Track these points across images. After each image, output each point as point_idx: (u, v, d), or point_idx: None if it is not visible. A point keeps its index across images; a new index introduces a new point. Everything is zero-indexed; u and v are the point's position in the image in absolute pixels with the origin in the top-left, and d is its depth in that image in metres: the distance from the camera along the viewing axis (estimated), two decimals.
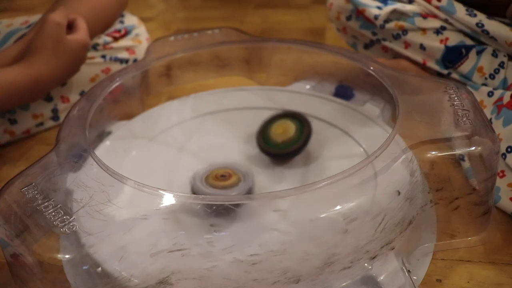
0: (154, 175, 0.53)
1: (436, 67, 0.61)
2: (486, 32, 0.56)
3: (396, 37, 0.64)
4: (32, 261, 0.36)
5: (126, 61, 0.73)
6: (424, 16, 0.62)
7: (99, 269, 0.36)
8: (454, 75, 0.60)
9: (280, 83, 0.69)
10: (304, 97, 0.64)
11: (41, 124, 0.69)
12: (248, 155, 0.56)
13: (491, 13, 0.58)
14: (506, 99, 0.50)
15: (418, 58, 0.63)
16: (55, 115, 0.69)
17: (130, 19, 0.77)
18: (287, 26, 1.04)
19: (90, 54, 0.70)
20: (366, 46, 0.71)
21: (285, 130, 0.55)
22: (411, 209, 0.40)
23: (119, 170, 0.40)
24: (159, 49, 0.64)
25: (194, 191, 0.46)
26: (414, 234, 0.42)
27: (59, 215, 0.36)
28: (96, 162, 0.41)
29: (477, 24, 0.57)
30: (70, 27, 0.63)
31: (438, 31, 0.61)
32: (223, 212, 0.41)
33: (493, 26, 0.56)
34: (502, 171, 0.47)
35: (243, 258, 0.36)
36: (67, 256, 0.36)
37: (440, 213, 0.43)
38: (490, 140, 0.40)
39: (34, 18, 0.70)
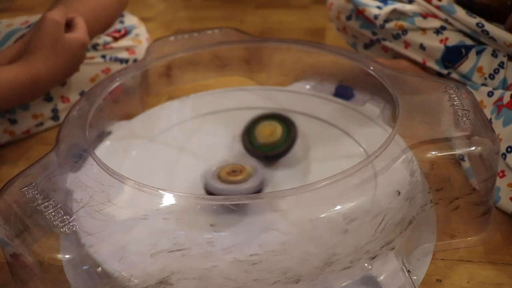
0: (154, 175, 0.53)
1: (436, 67, 0.61)
2: (486, 32, 0.56)
3: (396, 37, 0.64)
4: (32, 261, 0.36)
5: (126, 61, 0.73)
6: (424, 16, 0.62)
7: (99, 269, 0.36)
8: (454, 75, 0.60)
9: (280, 83, 0.69)
10: (304, 97, 0.64)
11: (41, 124, 0.69)
12: (248, 155, 0.56)
13: (491, 19, 0.58)
14: (506, 99, 0.50)
15: (418, 58, 0.63)
16: (55, 115, 0.69)
17: (130, 19, 0.77)
18: (287, 26, 1.04)
19: (90, 54, 0.70)
20: (366, 46, 0.71)
21: (272, 132, 0.55)
22: (411, 209, 0.40)
23: (119, 170, 0.40)
24: (159, 49, 0.64)
25: (208, 190, 0.46)
26: (414, 234, 0.42)
27: (59, 215, 0.36)
28: (96, 162, 0.41)
29: (477, 24, 0.57)
30: (69, 25, 0.63)
31: (438, 31, 0.61)
32: (229, 209, 0.41)
33: (493, 27, 0.56)
34: (502, 171, 0.47)
35: (243, 258, 0.36)
36: (67, 256, 0.36)
37: (440, 213, 0.43)
38: (490, 140, 0.40)
39: (34, 18, 0.70)
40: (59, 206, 0.36)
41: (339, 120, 0.59)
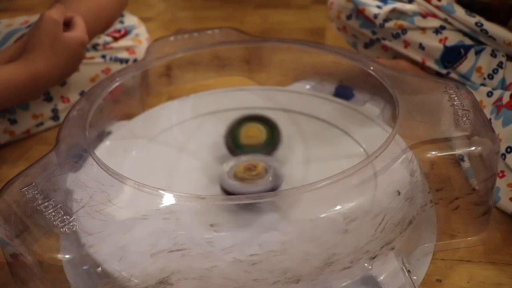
0: (154, 175, 0.53)
1: (435, 66, 0.62)
2: (485, 32, 0.56)
3: (396, 36, 0.64)
4: (32, 261, 0.36)
5: (126, 61, 0.73)
6: (424, 15, 0.62)
7: (99, 269, 0.36)
8: (453, 75, 0.60)
9: (280, 83, 0.69)
10: (304, 97, 0.64)
11: (41, 124, 0.69)
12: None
13: (492, 18, 0.58)
14: (506, 99, 0.50)
15: (417, 57, 0.63)
16: (55, 115, 0.69)
17: (130, 19, 0.77)
18: (287, 26, 1.04)
19: (90, 54, 0.70)
20: (366, 45, 0.71)
21: (256, 134, 0.55)
22: (411, 209, 0.40)
23: (119, 170, 0.40)
24: (159, 49, 0.64)
25: (225, 189, 0.47)
26: (414, 234, 0.42)
27: (59, 215, 0.36)
28: (96, 162, 0.41)
29: (476, 23, 0.57)
30: (68, 25, 0.63)
31: (437, 30, 0.61)
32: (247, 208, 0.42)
33: (492, 26, 0.56)
34: (502, 171, 0.47)
35: (243, 258, 0.36)
36: (67, 256, 0.36)
37: (440, 213, 0.43)
38: (490, 140, 0.40)
39: (34, 18, 0.70)
40: (59, 206, 0.36)
41: (339, 120, 0.59)
